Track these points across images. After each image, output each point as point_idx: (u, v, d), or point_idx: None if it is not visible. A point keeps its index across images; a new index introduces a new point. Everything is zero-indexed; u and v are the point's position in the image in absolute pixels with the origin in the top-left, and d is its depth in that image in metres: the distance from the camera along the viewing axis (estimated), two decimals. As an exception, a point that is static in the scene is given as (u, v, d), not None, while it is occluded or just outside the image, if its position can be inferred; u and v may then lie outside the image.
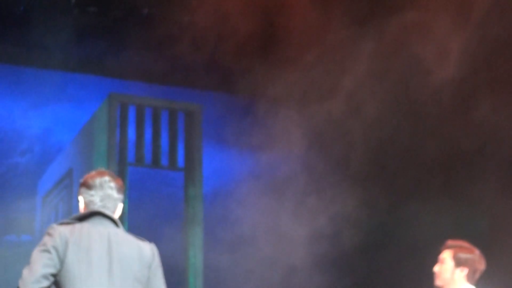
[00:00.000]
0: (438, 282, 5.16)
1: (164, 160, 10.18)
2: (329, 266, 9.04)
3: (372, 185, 9.00)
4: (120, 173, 9.95)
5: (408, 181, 9.07)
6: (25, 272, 3.38)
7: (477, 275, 5.12)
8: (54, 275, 3.41)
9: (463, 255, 5.10)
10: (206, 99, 10.34)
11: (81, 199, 3.72)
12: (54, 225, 3.52)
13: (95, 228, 3.56)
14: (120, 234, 3.63)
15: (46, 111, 11.59)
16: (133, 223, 10.11)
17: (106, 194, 3.67)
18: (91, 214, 3.62)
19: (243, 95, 9.27)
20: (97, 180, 3.68)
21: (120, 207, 3.74)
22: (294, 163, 9.18)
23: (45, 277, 3.37)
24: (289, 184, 9.09)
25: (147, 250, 3.68)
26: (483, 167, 8.40)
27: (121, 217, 9.65)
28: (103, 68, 10.25)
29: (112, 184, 3.70)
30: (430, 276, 5.20)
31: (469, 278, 5.09)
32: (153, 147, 10.17)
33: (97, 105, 10.50)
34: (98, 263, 3.47)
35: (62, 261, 3.42)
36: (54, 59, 9.82)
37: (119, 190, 3.74)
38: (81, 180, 3.74)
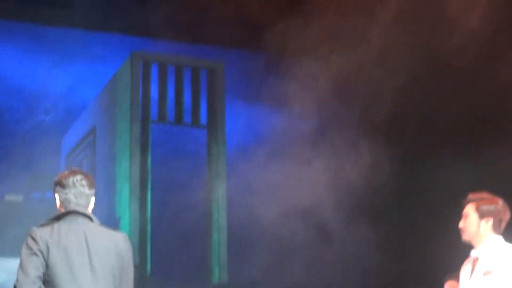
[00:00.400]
0: (464, 236, 5.13)
1: (187, 118, 10.20)
2: (358, 217, 9.06)
3: (397, 139, 9.00)
4: (143, 131, 9.99)
5: (432, 137, 9.05)
6: (20, 275, 3.77)
7: (503, 225, 5.09)
8: (43, 275, 3.81)
9: (486, 207, 5.06)
10: (229, 56, 10.32)
11: (57, 197, 4.04)
12: (35, 229, 3.86)
13: (71, 227, 3.87)
14: (95, 229, 3.94)
15: (70, 69, 11.61)
16: (156, 181, 10.17)
17: (79, 191, 3.98)
18: (66, 214, 3.92)
19: (266, 51, 9.23)
20: (70, 180, 3.99)
21: (92, 201, 4.06)
22: (317, 118, 9.16)
23: (38, 277, 3.76)
24: (313, 138, 9.08)
25: (121, 240, 3.97)
26: (505, 127, 8.38)
27: (145, 175, 9.70)
28: (126, 26, 10.25)
29: (84, 182, 4.01)
30: (457, 233, 5.18)
31: (495, 228, 5.06)
32: (176, 105, 10.18)
33: (120, 63, 10.51)
34: (78, 260, 3.80)
35: (46, 263, 3.79)
36: (77, 17, 9.82)
37: (90, 186, 4.05)
38: (56, 179, 4.06)
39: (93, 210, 10.82)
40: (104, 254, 3.87)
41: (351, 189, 8.71)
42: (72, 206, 3.96)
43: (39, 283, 3.77)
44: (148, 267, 9.46)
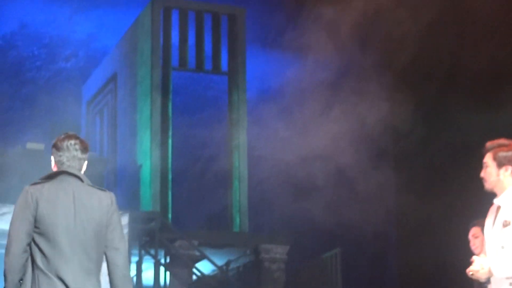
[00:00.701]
0: (487, 186, 5.05)
1: (207, 64, 10.15)
2: (380, 162, 9.02)
3: (419, 85, 8.92)
4: (164, 78, 9.95)
5: (455, 84, 8.97)
6: (11, 231, 4.11)
7: (524, 171, 5.02)
8: (34, 228, 4.08)
9: (503, 154, 4.96)
10: (250, 2, 10.22)
11: (52, 159, 4.29)
12: (27, 187, 4.14)
13: (61, 185, 4.16)
14: (83, 188, 4.20)
15: (90, 16, 11.58)
16: (178, 127, 10.17)
17: (72, 155, 4.22)
18: (58, 173, 4.19)
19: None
20: (65, 143, 4.21)
21: (85, 165, 4.32)
22: (339, 64, 9.09)
23: (27, 233, 4.05)
24: (334, 85, 9.01)
25: (107, 198, 4.22)
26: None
27: (166, 122, 9.68)
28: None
29: (78, 146, 4.23)
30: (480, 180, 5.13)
31: (516, 174, 5.01)
32: (197, 51, 10.12)
33: (140, 9, 10.45)
34: (64, 214, 4.10)
35: (34, 217, 4.06)
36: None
37: (83, 151, 4.26)
38: (53, 142, 4.29)
39: (114, 157, 10.77)
40: (89, 210, 4.14)
41: (372, 135, 8.67)
42: (65, 168, 4.21)
43: (29, 238, 4.06)
44: (169, 215, 9.50)
